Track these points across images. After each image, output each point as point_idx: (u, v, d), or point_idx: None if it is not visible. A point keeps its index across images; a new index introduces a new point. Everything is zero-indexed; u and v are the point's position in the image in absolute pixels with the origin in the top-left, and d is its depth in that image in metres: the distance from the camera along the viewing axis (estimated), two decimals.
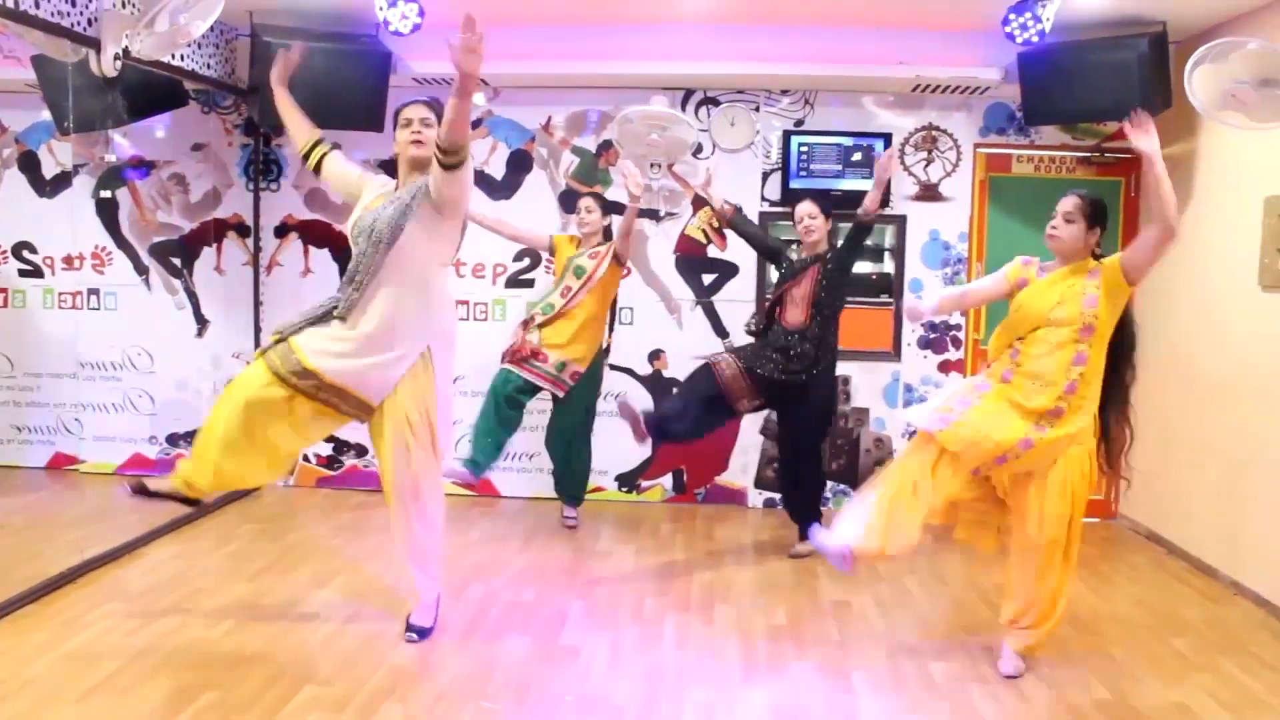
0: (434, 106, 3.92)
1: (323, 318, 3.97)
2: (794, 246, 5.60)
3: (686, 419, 5.21)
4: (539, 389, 5.57)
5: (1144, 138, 3.63)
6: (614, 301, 6.02)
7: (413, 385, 3.94)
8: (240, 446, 3.92)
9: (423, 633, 4.12)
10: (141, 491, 4.03)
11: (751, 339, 5.45)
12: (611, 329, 6.23)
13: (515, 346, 5.60)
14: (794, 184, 6.15)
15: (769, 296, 5.51)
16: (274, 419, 3.93)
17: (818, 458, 5.48)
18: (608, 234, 5.73)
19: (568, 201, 6.25)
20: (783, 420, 5.53)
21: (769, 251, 5.54)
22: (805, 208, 5.27)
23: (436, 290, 4.01)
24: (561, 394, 5.60)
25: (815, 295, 5.17)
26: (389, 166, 6.34)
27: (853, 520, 3.90)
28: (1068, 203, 3.87)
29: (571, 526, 5.85)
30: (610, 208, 5.89)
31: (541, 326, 5.58)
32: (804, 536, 5.24)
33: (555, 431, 5.80)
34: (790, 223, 5.39)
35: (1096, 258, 3.88)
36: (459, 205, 3.87)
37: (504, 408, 5.48)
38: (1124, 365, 3.93)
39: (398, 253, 3.84)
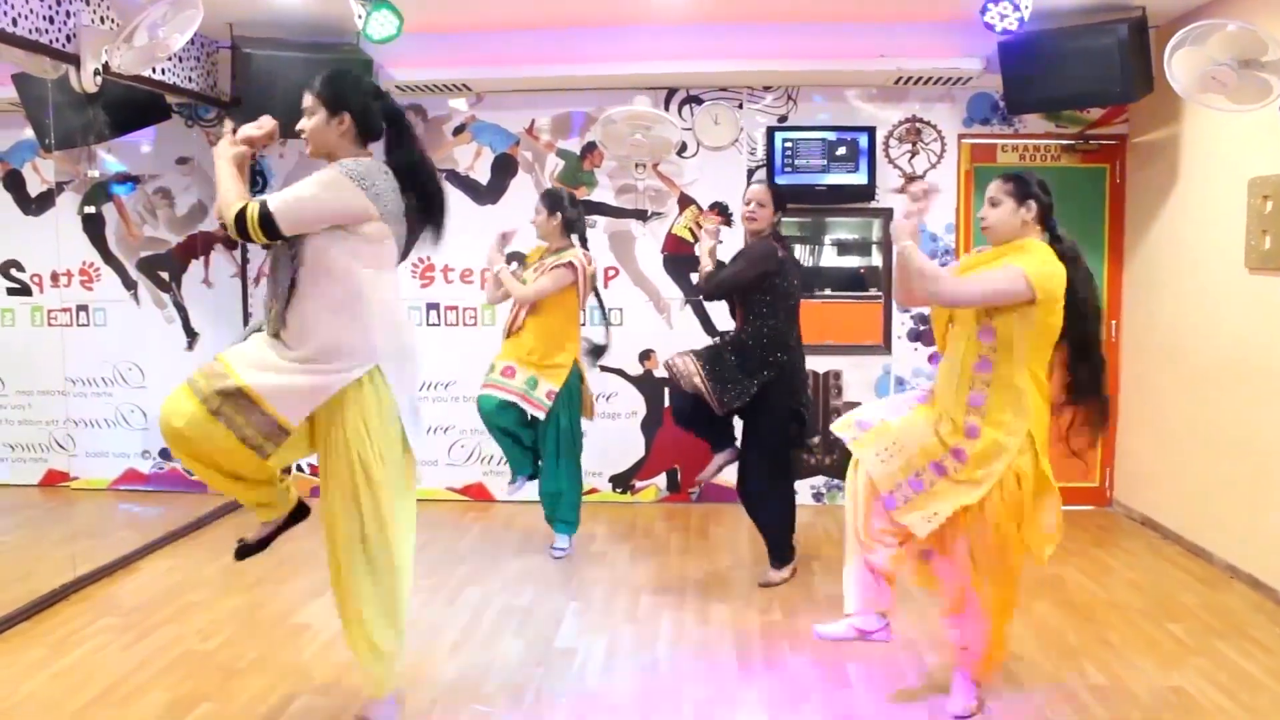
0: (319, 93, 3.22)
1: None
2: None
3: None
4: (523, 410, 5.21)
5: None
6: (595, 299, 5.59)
7: (361, 416, 3.18)
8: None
9: None
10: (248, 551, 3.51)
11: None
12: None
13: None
14: (779, 180, 6.13)
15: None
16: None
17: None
18: (571, 228, 5.28)
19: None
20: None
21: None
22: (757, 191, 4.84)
23: (375, 300, 3.22)
24: (541, 414, 5.20)
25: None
26: None
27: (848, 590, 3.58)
28: (991, 187, 3.53)
29: (558, 558, 5.35)
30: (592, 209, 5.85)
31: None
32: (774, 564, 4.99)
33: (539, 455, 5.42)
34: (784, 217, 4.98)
35: (1058, 237, 3.48)
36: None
37: (499, 435, 5.29)
38: (1081, 361, 3.44)
39: (310, 257, 3.16)
